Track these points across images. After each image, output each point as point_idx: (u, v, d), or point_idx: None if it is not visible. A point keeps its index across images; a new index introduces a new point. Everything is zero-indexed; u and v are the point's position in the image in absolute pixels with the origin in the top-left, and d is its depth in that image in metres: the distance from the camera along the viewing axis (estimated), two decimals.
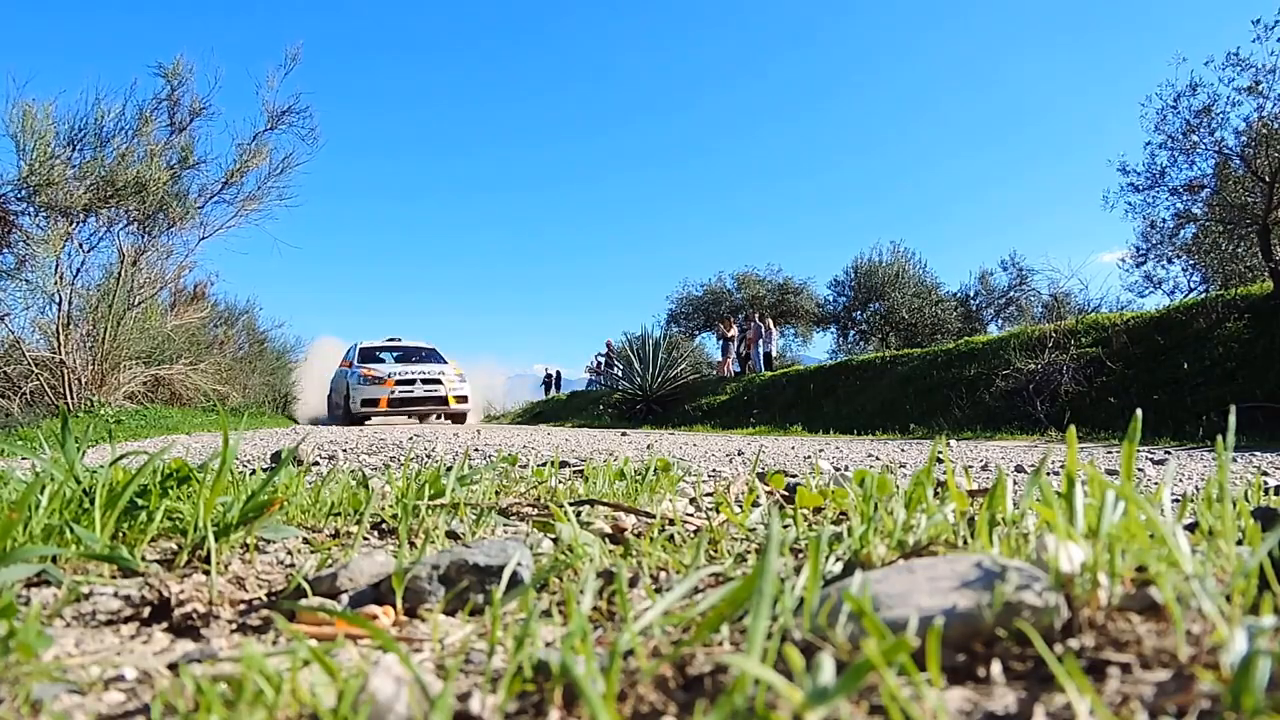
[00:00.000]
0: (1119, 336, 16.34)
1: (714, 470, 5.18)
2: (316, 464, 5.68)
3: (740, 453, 8.11)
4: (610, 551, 1.53)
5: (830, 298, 36.78)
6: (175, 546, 1.48)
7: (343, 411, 22.18)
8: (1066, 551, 0.85)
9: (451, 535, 1.74)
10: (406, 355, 23.73)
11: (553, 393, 40.30)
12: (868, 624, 0.70)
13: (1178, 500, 1.43)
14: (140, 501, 1.48)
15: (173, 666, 0.92)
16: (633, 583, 1.28)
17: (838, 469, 5.27)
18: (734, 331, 28.22)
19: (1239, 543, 1.12)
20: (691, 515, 1.99)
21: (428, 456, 6.93)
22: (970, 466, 5.98)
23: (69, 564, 1.30)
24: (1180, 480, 4.91)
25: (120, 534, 1.45)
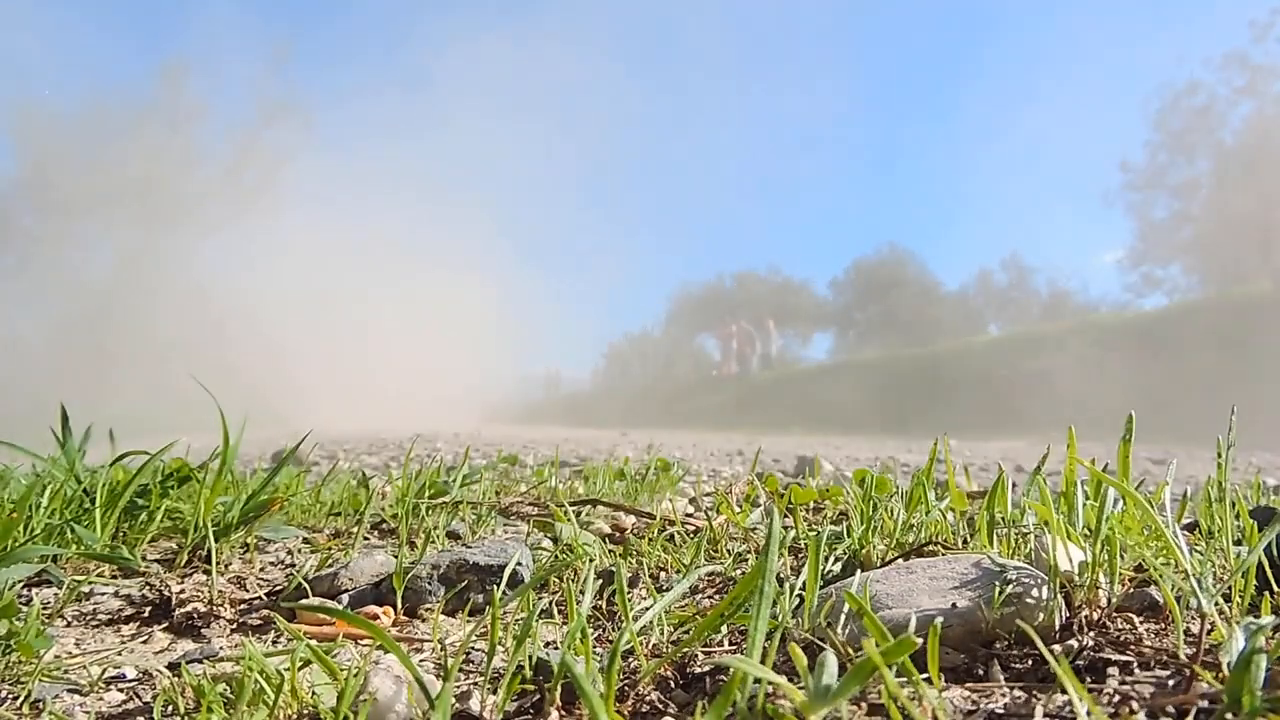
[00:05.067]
0: (1119, 336, 16.34)
1: (714, 470, 5.18)
2: (316, 464, 5.68)
3: (740, 453, 8.11)
4: (610, 551, 1.54)
5: (830, 297, 36.84)
6: (176, 546, 1.48)
7: None
8: (1066, 551, 0.86)
9: (452, 535, 1.74)
10: None
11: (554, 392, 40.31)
12: (868, 624, 0.70)
13: (1177, 500, 1.43)
14: (141, 501, 1.48)
15: (173, 666, 0.92)
16: (633, 582, 1.28)
17: (838, 469, 5.27)
18: (734, 332, 28.23)
19: (1238, 542, 1.12)
20: (691, 515, 1.99)
21: (428, 456, 6.93)
22: (971, 466, 5.99)
23: (70, 564, 1.30)
24: (1179, 480, 4.91)
25: (121, 534, 1.45)
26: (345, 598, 1.19)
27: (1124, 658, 0.73)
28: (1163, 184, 20.87)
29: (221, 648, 1.00)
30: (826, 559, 1.13)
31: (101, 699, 0.82)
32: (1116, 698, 0.67)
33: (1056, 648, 0.76)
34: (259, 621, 1.10)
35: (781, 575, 0.97)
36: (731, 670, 0.63)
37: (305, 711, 0.72)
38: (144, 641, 1.03)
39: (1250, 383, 12.26)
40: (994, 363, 17.30)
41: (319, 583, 1.22)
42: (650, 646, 0.84)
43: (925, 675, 0.68)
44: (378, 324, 32.82)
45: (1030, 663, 0.75)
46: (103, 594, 1.20)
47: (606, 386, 33.58)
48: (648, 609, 0.84)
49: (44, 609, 1.12)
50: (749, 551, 1.47)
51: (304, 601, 1.14)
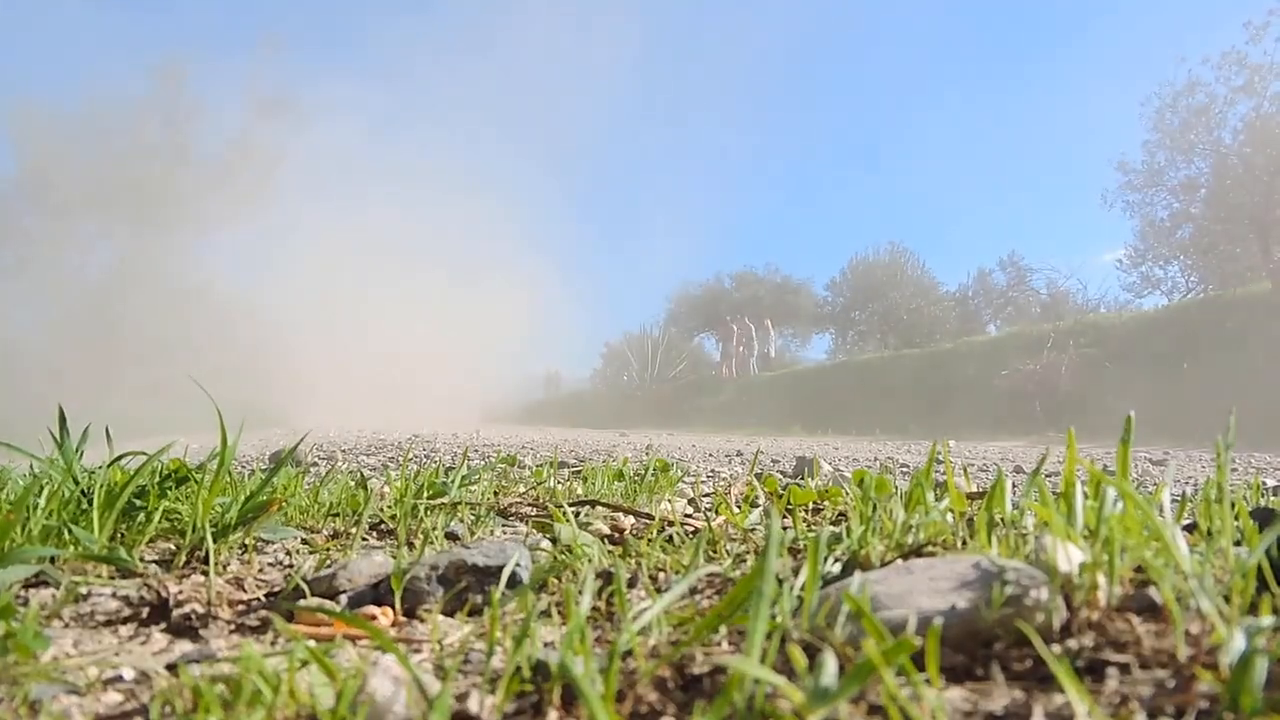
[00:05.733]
0: (1118, 336, 16.36)
1: (713, 471, 5.19)
2: (315, 464, 5.68)
3: (739, 453, 8.12)
4: (609, 552, 1.53)
5: (829, 298, 36.78)
6: (174, 547, 1.48)
7: None
8: (1065, 552, 0.85)
9: (450, 536, 1.74)
10: None
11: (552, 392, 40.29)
12: (867, 625, 0.70)
13: (1176, 500, 1.43)
14: (139, 502, 1.47)
15: (171, 667, 0.91)
16: (631, 583, 1.28)
17: (836, 469, 5.28)
18: (733, 332, 28.21)
19: (1237, 543, 1.12)
20: (690, 516, 1.99)
21: (427, 457, 6.93)
22: (970, 466, 5.99)
23: (67, 565, 1.29)
24: (1178, 481, 4.92)
25: (119, 535, 1.45)
26: (343, 598, 1.19)
27: (1123, 658, 0.73)
28: (1162, 184, 20.88)
29: (219, 648, 1.00)
30: (825, 560, 1.13)
31: (99, 700, 0.82)
32: (1116, 698, 0.67)
33: (1056, 648, 0.76)
34: (257, 622, 1.10)
35: (780, 576, 0.97)
36: (730, 671, 0.63)
37: (303, 712, 0.72)
38: (142, 642, 1.03)
39: (1250, 383, 12.27)
40: (994, 363, 17.31)
41: (317, 583, 1.22)
42: (649, 647, 0.83)
43: (925, 676, 0.68)
44: (377, 323, 32.83)
45: (1030, 663, 0.75)
46: (100, 595, 1.20)
47: (606, 386, 33.57)
48: (646, 610, 0.84)
49: (41, 610, 1.12)
50: (748, 552, 1.47)
51: (302, 602, 1.13)
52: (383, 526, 1.89)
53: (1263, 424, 9.85)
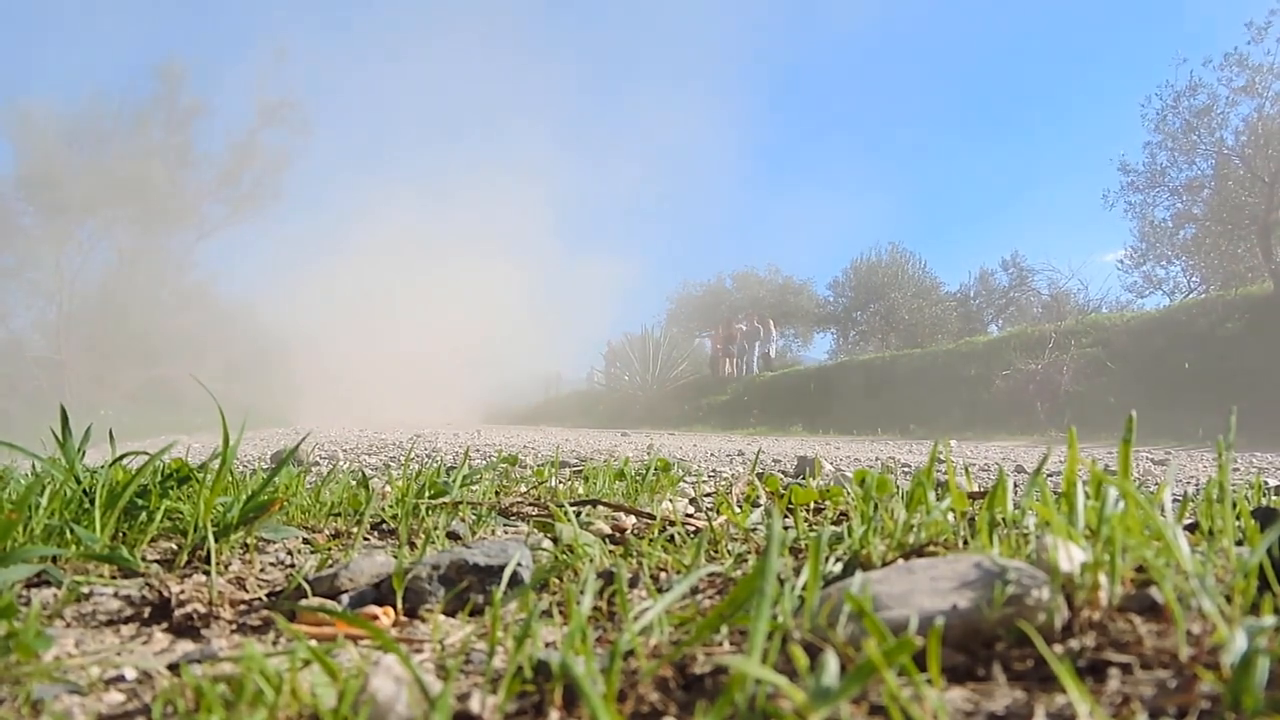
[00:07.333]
0: (1119, 336, 16.36)
1: (714, 470, 5.18)
2: (317, 464, 5.68)
3: (740, 453, 8.12)
4: (610, 552, 1.53)
5: (830, 298, 36.75)
6: (175, 547, 1.48)
7: None
8: (1067, 551, 0.85)
9: (452, 535, 1.74)
10: None
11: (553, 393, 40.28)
12: (868, 624, 0.70)
13: (1178, 500, 1.42)
14: (140, 502, 1.48)
15: (173, 667, 0.91)
16: (633, 583, 1.28)
17: (838, 469, 5.27)
18: (736, 331, 28.17)
19: (1239, 543, 1.12)
20: (692, 516, 1.99)
21: (428, 456, 6.93)
22: (971, 466, 5.99)
23: (69, 564, 1.30)
24: (1180, 480, 4.92)
25: (121, 534, 1.45)
26: (345, 598, 1.19)
27: (1125, 658, 0.73)
28: (1164, 184, 20.89)
29: (221, 648, 1.00)
30: (827, 559, 1.13)
31: (101, 700, 0.82)
32: (1118, 698, 0.67)
33: (1057, 648, 0.76)
34: (259, 622, 1.10)
35: (782, 575, 0.97)
36: (732, 671, 0.63)
37: (305, 712, 0.72)
38: (144, 642, 1.03)
39: (1251, 383, 12.25)
40: (995, 363, 17.30)
41: (319, 583, 1.22)
42: (651, 647, 0.83)
43: (926, 676, 0.68)
44: (378, 325, 32.88)
45: (1031, 663, 0.75)
46: (102, 594, 1.20)
47: (606, 386, 33.58)
48: (648, 609, 0.84)
49: (43, 609, 1.12)
50: (749, 552, 1.47)
51: (304, 602, 1.13)
52: (384, 526, 1.89)
53: (1264, 424, 9.84)
